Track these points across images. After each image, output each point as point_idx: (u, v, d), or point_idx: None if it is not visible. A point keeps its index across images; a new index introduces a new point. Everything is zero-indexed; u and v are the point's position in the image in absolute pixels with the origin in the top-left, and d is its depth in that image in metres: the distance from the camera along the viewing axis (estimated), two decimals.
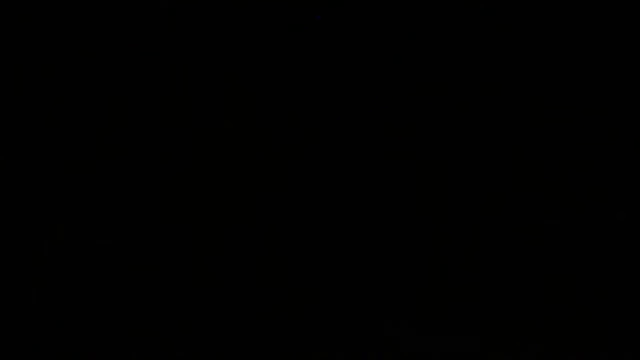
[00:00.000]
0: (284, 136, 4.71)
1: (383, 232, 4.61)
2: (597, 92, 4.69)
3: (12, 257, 4.48)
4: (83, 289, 4.46)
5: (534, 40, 4.70)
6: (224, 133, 4.69)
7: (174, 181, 4.64)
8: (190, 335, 4.37)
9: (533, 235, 4.58)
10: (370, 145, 4.70)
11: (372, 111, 4.72)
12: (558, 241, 4.57)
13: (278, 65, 4.73)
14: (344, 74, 4.74)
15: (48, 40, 4.64)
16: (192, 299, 4.47)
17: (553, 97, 4.70)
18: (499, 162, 4.67)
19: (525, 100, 4.70)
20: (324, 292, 4.51)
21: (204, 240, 4.59)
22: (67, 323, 4.36)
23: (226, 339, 4.36)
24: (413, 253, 4.57)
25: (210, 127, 4.69)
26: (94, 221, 4.57)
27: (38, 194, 4.57)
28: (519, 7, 4.68)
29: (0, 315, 4.35)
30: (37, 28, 4.64)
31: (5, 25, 4.61)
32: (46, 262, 4.48)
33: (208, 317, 4.42)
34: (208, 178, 4.66)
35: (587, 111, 4.68)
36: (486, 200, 4.63)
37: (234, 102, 4.72)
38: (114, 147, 4.63)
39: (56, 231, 4.53)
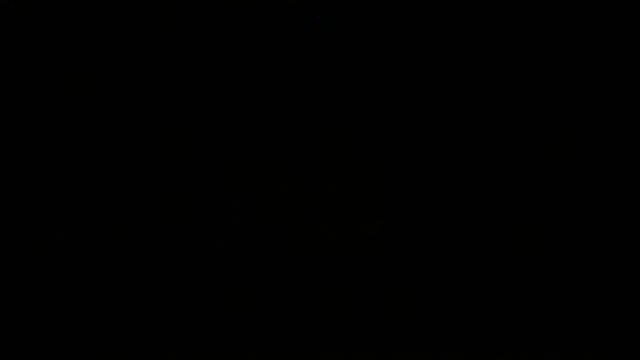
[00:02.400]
0: (284, 136, 4.71)
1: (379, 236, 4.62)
2: (596, 93, 4.69)
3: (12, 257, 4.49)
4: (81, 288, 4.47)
5: (534, 40, 4.70)
6: (223, 134, 4.69)
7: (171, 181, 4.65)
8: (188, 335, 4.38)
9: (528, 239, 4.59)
10: (368, 145, 4.70)
11: (372, 111, 4.72)
12: (554, 245, 4.57)
13: (278, 64, 4.73)
14: (344, 74, 4.74)
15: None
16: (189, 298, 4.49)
17: (552, 97, 4.70)
18: (490, 170, 4.67)
19: (524, 101, 4.70)
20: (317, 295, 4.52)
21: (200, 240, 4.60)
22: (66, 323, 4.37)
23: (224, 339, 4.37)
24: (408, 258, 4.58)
25: (210, 128, 4.69)
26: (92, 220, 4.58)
27: (38, 193, 4.59)
28: (519, 7, 4.68)
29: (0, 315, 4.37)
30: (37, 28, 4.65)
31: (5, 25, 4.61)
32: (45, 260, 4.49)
33: (208, 318, 4.44)
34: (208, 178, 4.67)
35: (587, 112, 4.68)
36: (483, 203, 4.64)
37: (233, 102, 4.72)
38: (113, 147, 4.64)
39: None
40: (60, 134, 4.63)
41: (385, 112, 4.72)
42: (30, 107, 4.63)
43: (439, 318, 4.44)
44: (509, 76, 4.70)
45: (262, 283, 4.53)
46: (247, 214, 4.63)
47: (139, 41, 4.69)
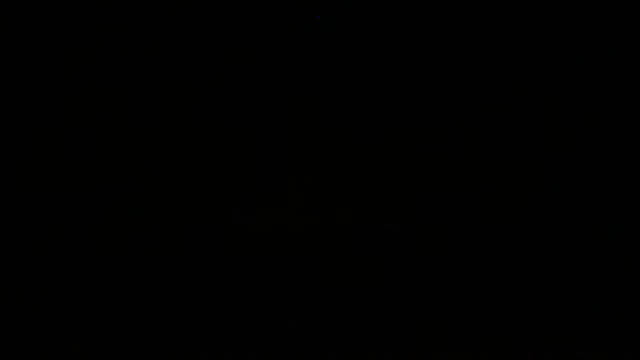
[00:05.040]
0: (284, 135, 4.72)
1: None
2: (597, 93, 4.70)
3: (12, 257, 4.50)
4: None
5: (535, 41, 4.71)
6: (224, 133, 4.69)
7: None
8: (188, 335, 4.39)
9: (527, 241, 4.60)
10: (368, 145, 4.71)
11: (372, 110, 4.73)
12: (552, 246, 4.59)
13: (278, 64, 4.73)
14: (344, 73, 4.74)
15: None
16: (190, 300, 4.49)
17: (554, 98, 4.71)
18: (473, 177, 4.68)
19: (527, 101, 4.71)
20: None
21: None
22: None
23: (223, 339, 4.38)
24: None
25: (210, 127, 4.70)
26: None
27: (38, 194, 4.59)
28: (520, 7, 4.69)
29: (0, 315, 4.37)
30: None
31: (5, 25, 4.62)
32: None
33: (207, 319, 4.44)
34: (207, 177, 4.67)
35: (588, 112, 4.69)
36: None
37: (233, 101, 4.73)
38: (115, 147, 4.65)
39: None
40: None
41: (384, 111, 4.72)
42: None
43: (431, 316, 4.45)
44: (510, 77, 4.71)
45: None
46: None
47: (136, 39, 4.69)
